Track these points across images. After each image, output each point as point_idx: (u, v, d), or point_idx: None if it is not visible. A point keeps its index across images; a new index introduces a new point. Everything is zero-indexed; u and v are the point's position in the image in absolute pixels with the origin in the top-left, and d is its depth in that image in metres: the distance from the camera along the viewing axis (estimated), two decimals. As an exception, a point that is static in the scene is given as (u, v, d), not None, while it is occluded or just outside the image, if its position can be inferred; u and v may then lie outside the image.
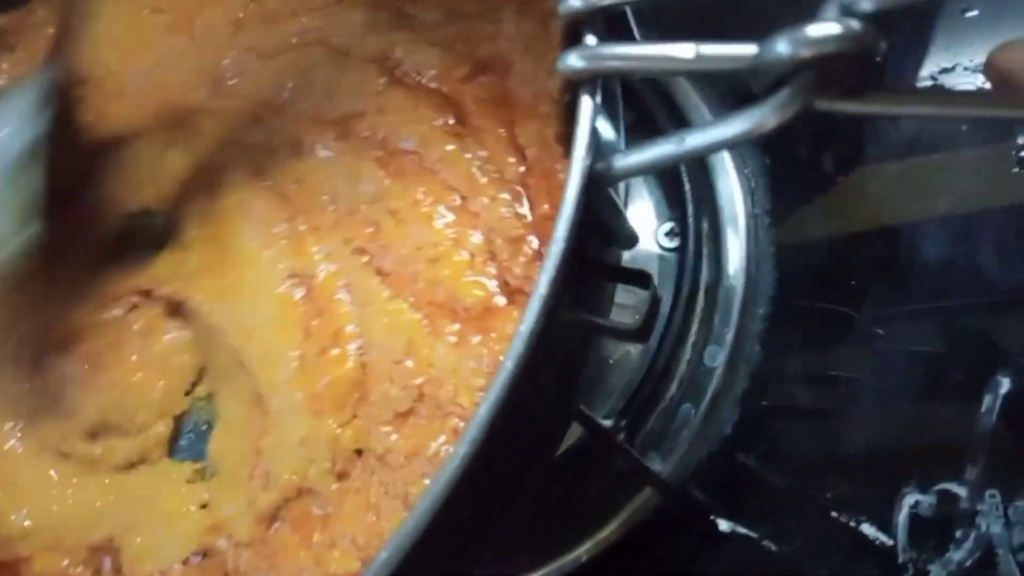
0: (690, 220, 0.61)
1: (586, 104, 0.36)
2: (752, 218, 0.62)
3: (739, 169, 0.63)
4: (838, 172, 0.61)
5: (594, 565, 0.55)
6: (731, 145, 0.39)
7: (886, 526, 0.51)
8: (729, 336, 0.59)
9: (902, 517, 0.51)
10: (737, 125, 0.34)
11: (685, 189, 0.62)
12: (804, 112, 0.33)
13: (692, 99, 0.64)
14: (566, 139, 0.44)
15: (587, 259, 0.41)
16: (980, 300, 0.55)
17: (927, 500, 0.51)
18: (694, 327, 0.60)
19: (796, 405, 0.56)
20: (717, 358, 0.58)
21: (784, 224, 0.61)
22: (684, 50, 0.35)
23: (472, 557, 0.41)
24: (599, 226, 0.44)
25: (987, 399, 0.51)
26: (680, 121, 0.63)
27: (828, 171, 0.61)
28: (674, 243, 0.62)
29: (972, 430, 0.51)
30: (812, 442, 0.55)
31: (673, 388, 0.59)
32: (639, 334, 0.48)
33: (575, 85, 0.37)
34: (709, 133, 0.35)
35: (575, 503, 0.58)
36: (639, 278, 0.48)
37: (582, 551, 0.56)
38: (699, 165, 0.63)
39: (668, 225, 0.63)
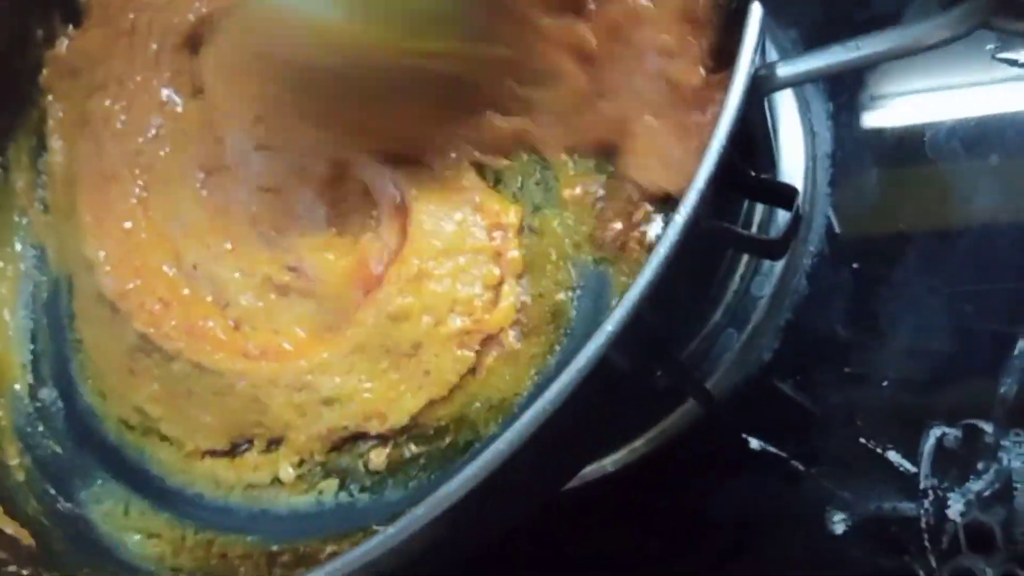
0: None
1: (756, 9, 0.37)
2: (812, 159, 0.64)
3: (802, 112, 0.65)
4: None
5: (620, 476, 0.59)
6: (908, 54, 0.38)
7: (911, 454, 0.53)
8: (777, 269, 0.61)
9: (928, 447, 0.53)
10: (916, 34, 0.35)
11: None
12: (981, 27, 0.34)
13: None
14: (722, 53, 0.45)
15: (734, 169, 0.41)
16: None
17: (953, 432, 0.53)
18: (744, 259, 0.62)
19: (836, 340, 0.58)
20: (764, 288, 0.60)
21: (842, 169, 0.63)
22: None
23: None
24: (747, 140, 0.46)
25: (1021, 344, 0.53)
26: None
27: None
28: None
29: (1003, 371, 0.53)
30: (848, 375, 0.57)
31: (718, 315, 0.61)
32: (777, 248, 0.44)
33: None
34: (886, 40, 0.36)
35: (606, 415, 0.61)
36: (784, 195, 0.44)
37: (608, 462, 0.59)
38: (762, 102, 0.64)
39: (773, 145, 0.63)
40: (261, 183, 0.54)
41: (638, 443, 0.58)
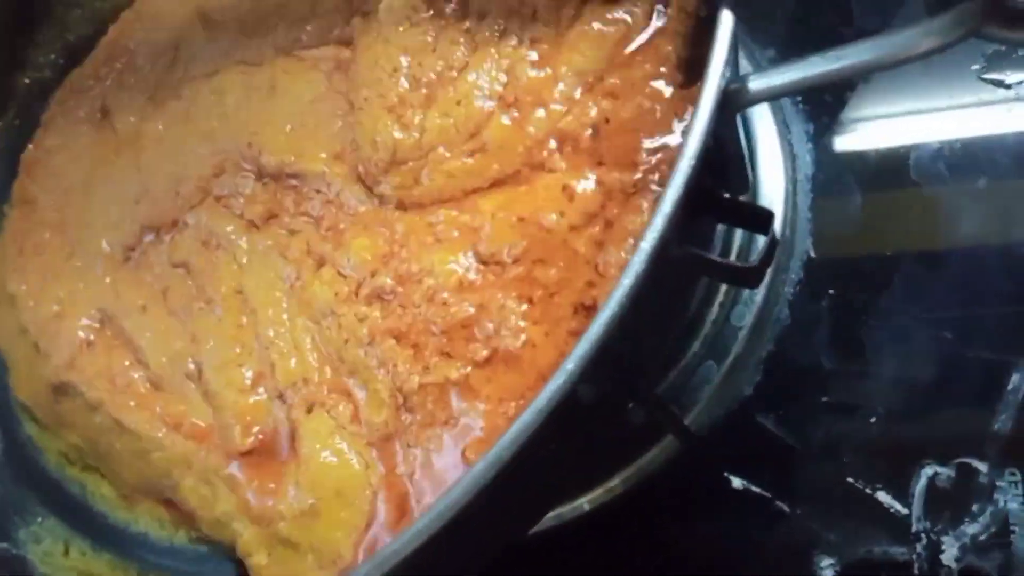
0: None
1: (727, 19, 0.35)
2: (792, 183, 0.61)
3: (781, 133, 0.63)
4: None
5: (596, 516, 0.55)
6: (893, 64, 0.35)
7: (902, 495, 0.50)
8: (758, 298, 0.58)
9: (919, 487, 0.50)
10: (902, 42, 0.32)
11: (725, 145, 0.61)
12: (971, 35, 0.31)
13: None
14: (689, 64, 0.43)
15: (705, 191, 0.38)
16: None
17: (946, 472, 0.50)
18: (723, 287, 0.59)
19: (820, 371, 0.55)
20: (744, 318, 0.57)
21: (823, 192, 0.60)
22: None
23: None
24: (718, 160, 0.41)
25: (1015, 377, 0.51)
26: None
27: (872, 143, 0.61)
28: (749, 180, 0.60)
29: (997, 407, 0.50)
30: (833, 409, 0.54)
31: (696, 346, 0.58)
32: (752, 276, 0.41)
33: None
34: (870, 49, 0.33)
35: (574, 454, 0.57)
36: (760, 219, 0.41)
37: (584, 501, 0.56)
38: (741, 122, 0.62)
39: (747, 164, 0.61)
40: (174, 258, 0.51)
41: (614, 482, 0.55)
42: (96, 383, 0.50)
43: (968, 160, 0.57)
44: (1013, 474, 0.49)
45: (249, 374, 0.48)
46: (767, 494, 0.53)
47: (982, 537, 0.48)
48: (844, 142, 0.61)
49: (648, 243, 0.33)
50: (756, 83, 0.36)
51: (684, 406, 0.56)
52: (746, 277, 0.43)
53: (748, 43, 0.64)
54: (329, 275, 0.48)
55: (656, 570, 0.56)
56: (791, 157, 0.62)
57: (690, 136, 0.33)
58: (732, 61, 0.35)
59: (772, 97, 0.39)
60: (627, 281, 0.32)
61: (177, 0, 0.60)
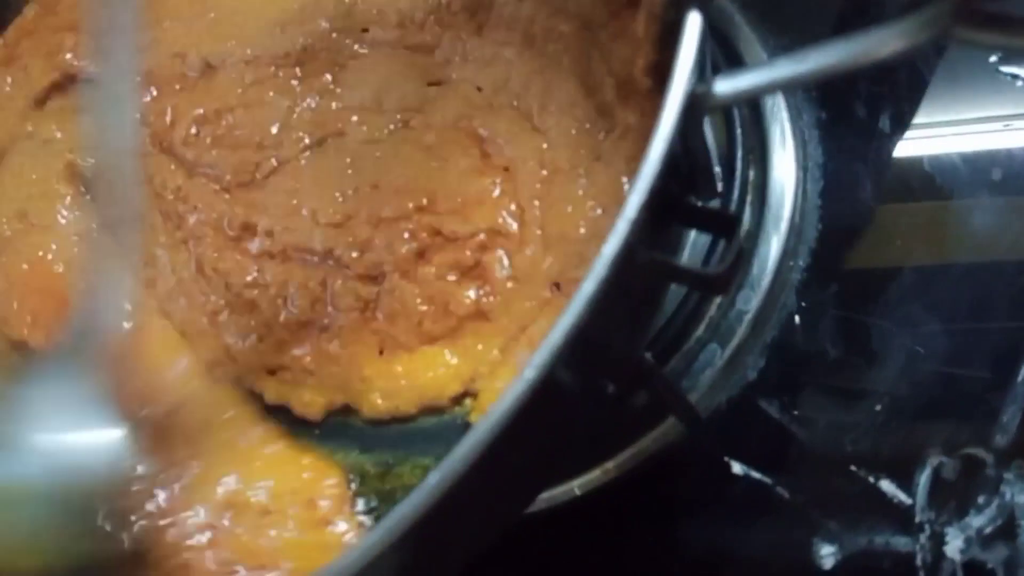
0: (738, 164, 0.60)
1: (694, 20, 0.34)
2: (802, 170, 0.60)
3: (793, 120, 0.62)
4: (893, 133, 0.59)
5: (587, 500, 0.54)
6: (859, 66, 0.34)
7: (906, 485, 0.49)
8: (765, 283, 0.57)
9: (924, 477, 0.49)
10: (868, 44, 0.31)
11: (736, 133, 0.60)
12: (942, 37, 0.31)
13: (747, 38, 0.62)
14: (659, 68, 0.42)
15: (672, 196, 0.38)
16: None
17: (951, 463, 0.49)
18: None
19: (825, 359, 0.54)
20: (750, 302, 0.56)
21: (833, 180, 0.59)
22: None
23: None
24: (686, 165, 0.41)
25: (1025, 369, 0.50)
26: (736, 61, 0.62)
27: (884, 132, 0.60)
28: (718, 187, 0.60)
29: (1005, 398, 0.49)
30: (837, 396, 0.53)
31: (700, 330, 0.57)
32: (719, 283, 0.41)
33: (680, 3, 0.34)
34: (836, 52, 0.32)
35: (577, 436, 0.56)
36: (724, 224, 0.41)
37: (575, 484, 0.55)
38: (752, 110, 0.61)
39: (715, 170, 0.61)
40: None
41: (609, 465, 0.54)
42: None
43: (985, 158, 0.56)
44: (1020, 467, 0.48)
45: None
46: (768, 480, 0.52)
47: (987, 530, 0.47)
48: (856, 130, 0.61)
49: (611, 247, 0.32)
50: (722, 86, 0.35)
51: (686, 390, 0.55)
52: (712, 284, 0.42)
53: (761, 32, 0.64)
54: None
55: (651, 554, 0.54)
56: (803, 144, 0.61)
57: (654, 140, 0.32)
58: (700, 64, 0.34)
59: (740, 100, 0.39)
60: (589, 286, 0.31)
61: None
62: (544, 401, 0.30)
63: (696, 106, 0.34)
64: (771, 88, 0.35)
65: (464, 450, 0.30)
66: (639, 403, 0.55)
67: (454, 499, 0.30)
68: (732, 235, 0.39)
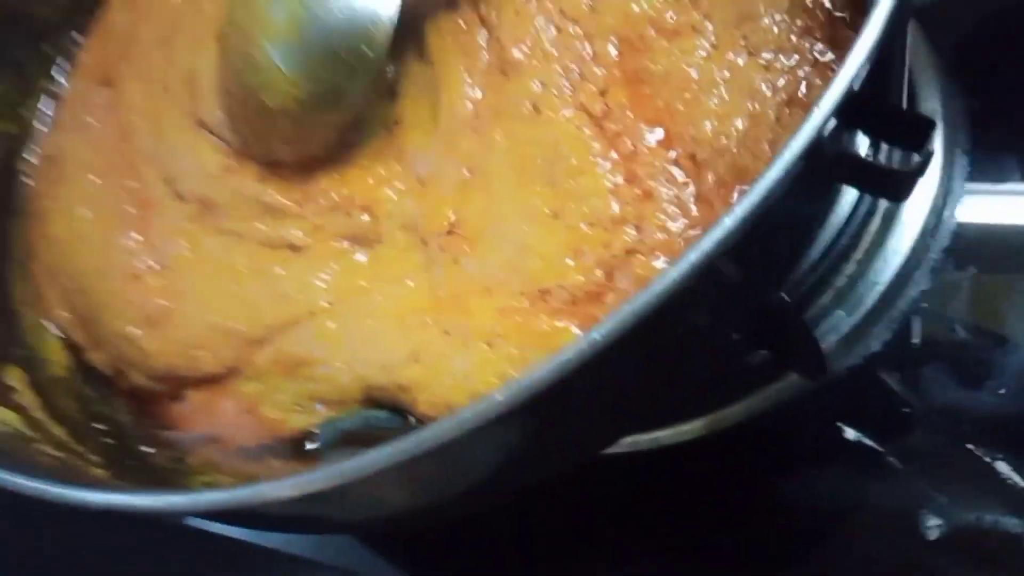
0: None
1: None
2: (950, 153, 0.60)
3: (945, 104, 0.62)
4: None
5: (707, 442, 0.55)
6: None
7: (1022, 468, 0.49)
8: (900, 258, 0.57)
9: (1043, 463, 0.49)
10: None
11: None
12: None
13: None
14: None
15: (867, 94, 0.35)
16: None
17: (1074, 453, 0.49)
18: (865, 244, 0.59)
19: (954, 340, 0.55)
20: (883, 274, 0.57)
21: (980, 164, 0.59)
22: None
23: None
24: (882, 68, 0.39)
25: None
26: None
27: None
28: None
29: None
30: (962, 376, 0.53)
31: (827, 298, 0.58)
32: (904, 184, 0.38)
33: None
34: None
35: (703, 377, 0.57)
36: (918, 128, 0.38)
37: (700, 425, 0.56)
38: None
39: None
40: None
41: (729, 411, 0.55)
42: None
43: None
44: None
45: None
46: (880, 448, 0.53)
47: (1102, 521, 0.47)
48: (1005, 120, 0.60)
49: (803, 137, 0.32)
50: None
51: (808, 352, 0.56)
52: (896, 185, 0.40)
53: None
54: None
55: (749, 511, 0.56)
56: (953, 128, 0.61)
57: (864, 34, 0.32)
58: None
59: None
60: (774, 172, 0.32)
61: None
62: (701, 292, 0.31)
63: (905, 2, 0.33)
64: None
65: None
66: (755, 362, 0.56)
67: (600, 367, 0.31)
68: (927, 138, 0.37)
